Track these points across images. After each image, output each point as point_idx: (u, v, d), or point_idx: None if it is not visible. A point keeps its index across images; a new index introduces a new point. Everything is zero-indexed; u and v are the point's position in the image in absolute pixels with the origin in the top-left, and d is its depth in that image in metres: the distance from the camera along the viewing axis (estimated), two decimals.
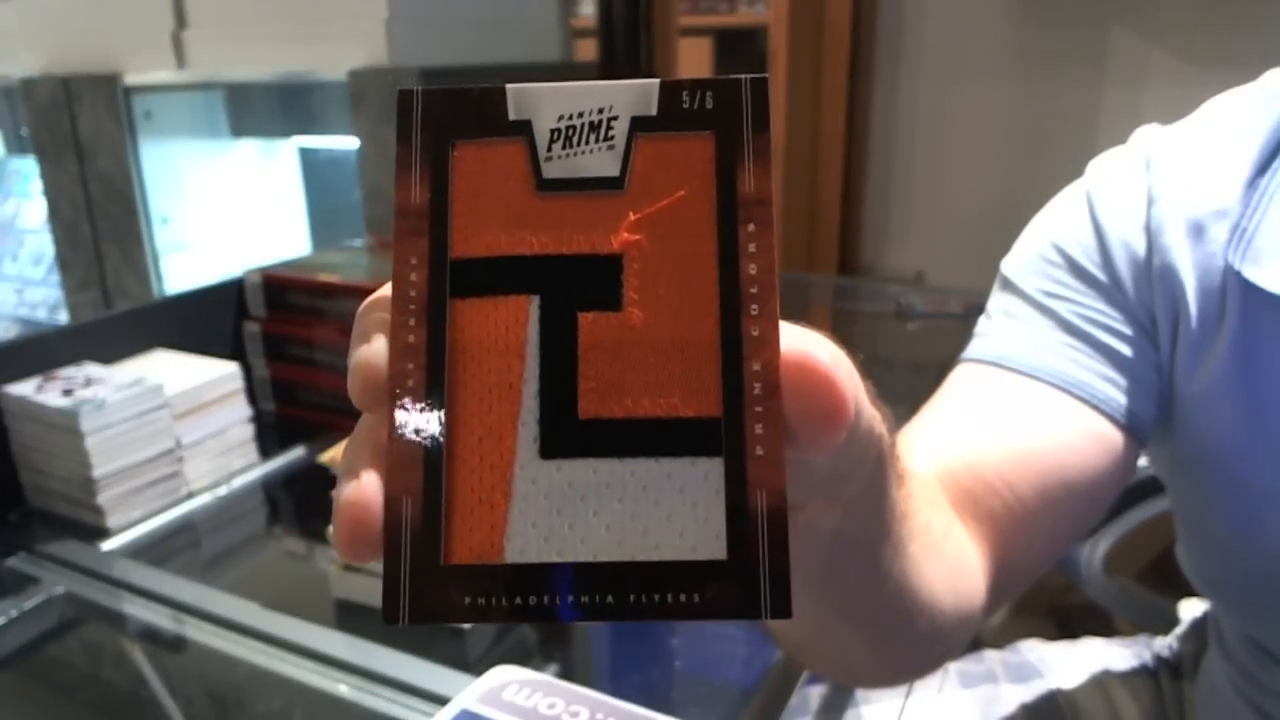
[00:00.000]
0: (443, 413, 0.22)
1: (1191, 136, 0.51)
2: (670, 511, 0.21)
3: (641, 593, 0.21)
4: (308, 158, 1.87)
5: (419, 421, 0.22)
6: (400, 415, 0.22)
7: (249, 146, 1.90)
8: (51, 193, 1.92)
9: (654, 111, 0.23)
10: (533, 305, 0.22)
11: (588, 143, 0.23)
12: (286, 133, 1.86)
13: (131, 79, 1.74)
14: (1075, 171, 0.56)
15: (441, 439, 0.22)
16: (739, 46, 2.41)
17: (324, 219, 1.87)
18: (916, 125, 2.15)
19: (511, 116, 0.23)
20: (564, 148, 0.23)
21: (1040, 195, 0.58)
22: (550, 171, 0.23)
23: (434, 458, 0.22)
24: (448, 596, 0.21)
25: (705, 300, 0.22)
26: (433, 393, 0.22)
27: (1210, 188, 0.48)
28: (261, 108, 1.84)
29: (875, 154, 2.21)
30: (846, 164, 2.18)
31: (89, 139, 1.81)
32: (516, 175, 0.23)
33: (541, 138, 0.23)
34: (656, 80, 0.23)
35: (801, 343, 0.22)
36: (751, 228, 0.22)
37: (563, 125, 0.23)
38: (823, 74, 2.14)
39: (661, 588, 0.21)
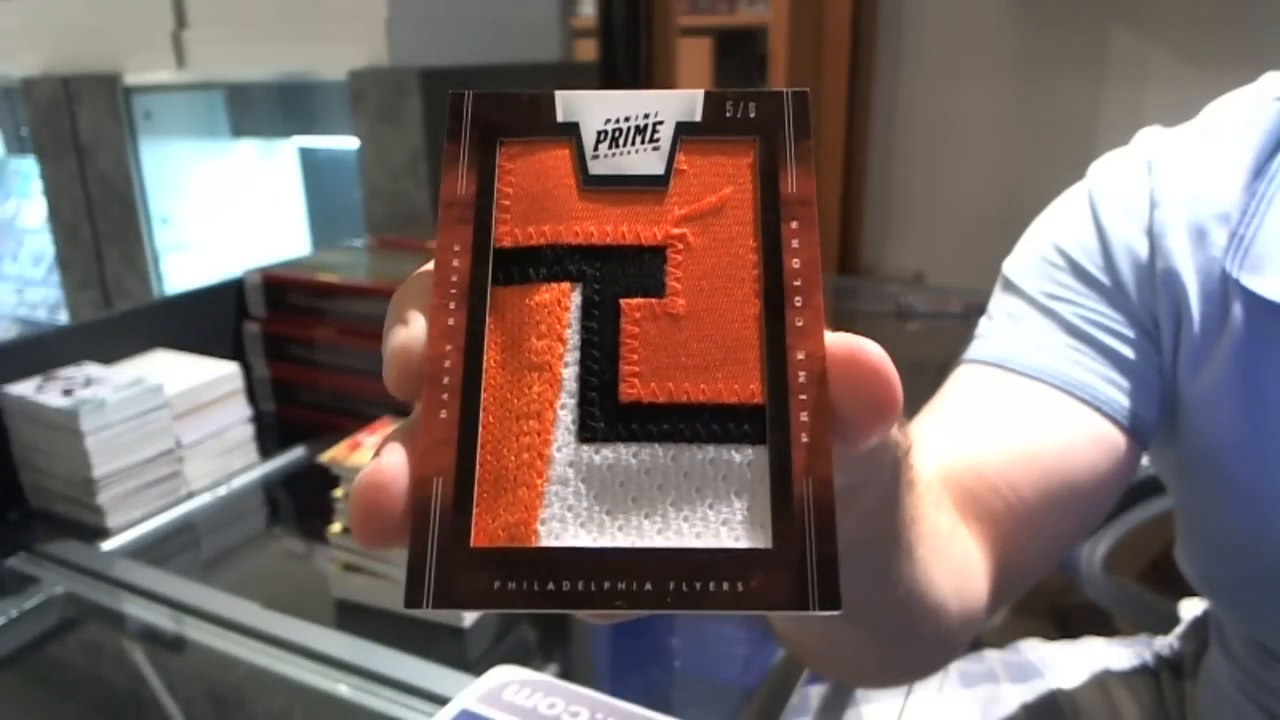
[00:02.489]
0: (479, 394, 0.21)
1: (1193, 139, 0.51)
2: (713, 499, 0.21)
3: (682, 582, 0.20)
4: (308, 158, 1.87)
5: (454, 402, 0.21)
6: (435, 395, 0.21)
7: (249, 146, 1.90)
8: (51, 193, 1.92)
9: (699, 118, 0.24)
10: (575, 291, 0.23)
11: (634, 144, 0.24)
12: (286, 133, 1.86)
13: (131, 79, 1.74)
14: (1075, 172, 0.56)
15: (476, 420, 0.21)
16: (739, 47, 2.41)
17: (324, 219, 1.87)
18: (916, 125, 2.15)
19: (560, 119, 0.24)
20: (610, 147, 0.23)
21: (1040, 195, 0.58)
22: (596, 168, 0.23)
23: (468, 438, 0.21)
24: (475, 580, 0.20)
25: (749, 291, 0.22)
26: (469, 373, 0.22)
27: (1211, 191, 0.48)
28: (261, 108, 1.84)
29: (875, 154, 2.21)
30: (846, 164, 2.17)
31: (89, 139, 1.81)
32: (563, 171, 0.23)
33: (589, 138, 0.24)
34: (702, 90, 0.24)
35: (849, 336, 0.22)
36: (795, 225, 0.23)
37: (609, 128, 0.24)
38: (823, 74, 2.14)
39: (703, 577, 0.20)
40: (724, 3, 2.43)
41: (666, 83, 1.82)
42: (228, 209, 1.89)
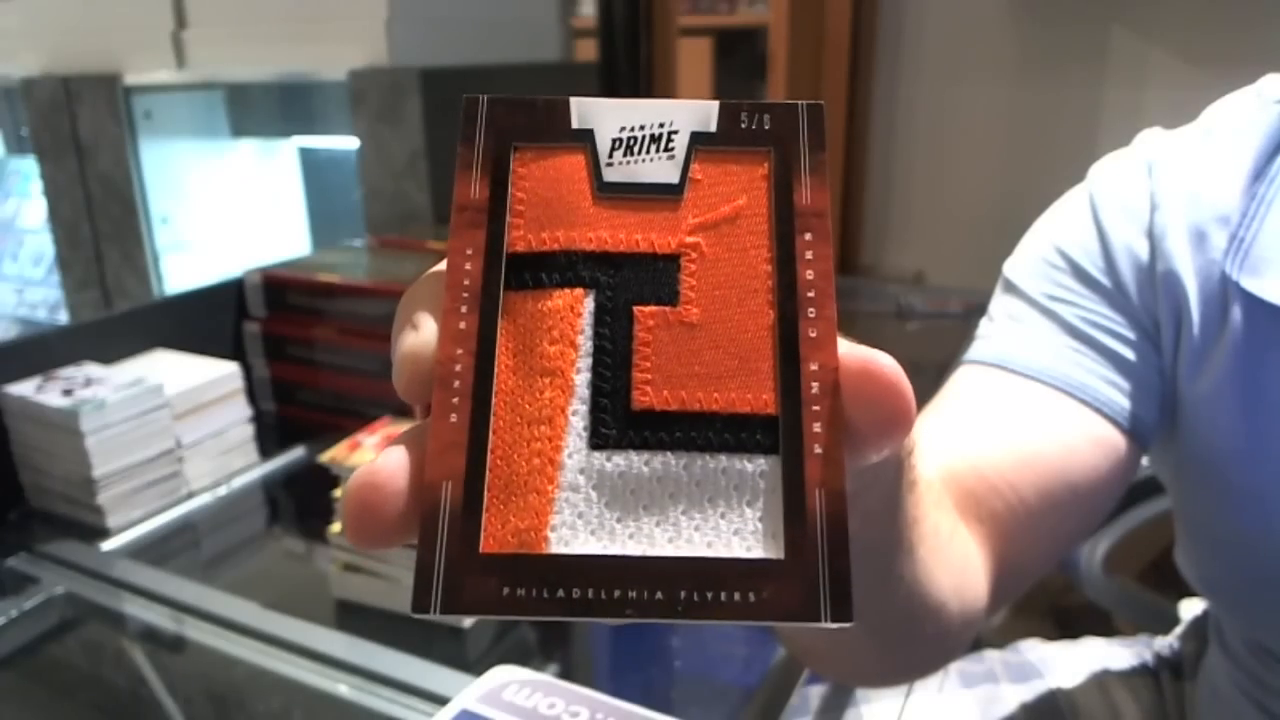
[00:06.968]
0: (490, 398, 0.21)
1: (1193, 141, 0.51)
2: (725, 508, 0.21)
3: (693, 591, 0.20)
4: (308, 158, 1.87)
5: (465, 405, 0.21)
6: (445, 399, 0.21)
7: (249, 146, 1.90)
8: (51, 193, 1.92)
9: (713, 129, 0.24)
10: (588, 298, 0.22)
11: (648, 152, 0.23)
12: (286, 133, 1.86)
13: (131, 79, 1.74)
14: (1076, 172, 0.56)
15: (487, 424, 0.21)
16: (739, 46, 2.41)
17: (324, 219, 1.87)
18: (916, 125, 2.15)
19: (574, 125, 0.24)
20: (625, 155, 0.23)
21: (1041, 195, 0.58)
22: (611, 175, 0.23)
23: (478, 443, 0.21)
24: (484, 587, 0.20)
25: (763, 301, 0.22)
26: (480, 378, 0.21)
27: (1212, 193, 0.48)
28: (261, 108, 1.84)
29: (875, 154, 2.20)
30: (846, 164, 2.17)
31: (89, 139, 1.81)
32: (577, 178, 0.23)
33: (603, 145, 0.23)
34: (716, 101, 0.24)
35: (863, 349, 0.22)
36: (809, 236, 0.23)
37: (624, 135, 0.24)
38: (823, 74, 2.14)
39: (715, 587, 0.20)
40: (724, 3, 2.43)
41: (667, 83, 1.82)
42: (228, 209, 1.89)
